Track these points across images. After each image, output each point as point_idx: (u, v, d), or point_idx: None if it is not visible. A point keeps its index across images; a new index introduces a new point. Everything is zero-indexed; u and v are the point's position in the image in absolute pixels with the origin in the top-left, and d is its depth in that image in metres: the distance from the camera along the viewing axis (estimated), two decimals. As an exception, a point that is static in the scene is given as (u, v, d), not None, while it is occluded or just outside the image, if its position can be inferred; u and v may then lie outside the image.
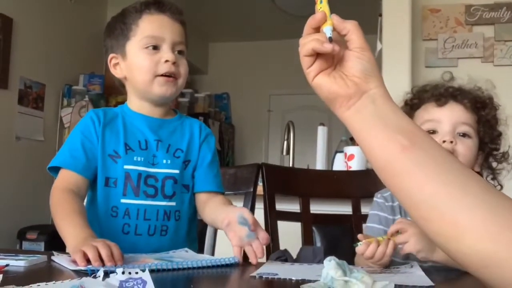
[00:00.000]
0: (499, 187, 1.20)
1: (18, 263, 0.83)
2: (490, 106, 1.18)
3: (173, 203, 1.16)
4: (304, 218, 1.53)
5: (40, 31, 3.76)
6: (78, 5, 4.17)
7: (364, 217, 1.46)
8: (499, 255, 0.51)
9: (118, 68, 1.20)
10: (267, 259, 1.10)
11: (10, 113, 3.49)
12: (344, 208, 1.61)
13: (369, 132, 0.62)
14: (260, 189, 1.53)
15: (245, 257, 1.00)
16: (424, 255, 1.01)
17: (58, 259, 0.89)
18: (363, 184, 1.58)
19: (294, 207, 1.55)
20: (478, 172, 1.17)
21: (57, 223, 1.02)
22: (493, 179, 1.20)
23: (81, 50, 4.17)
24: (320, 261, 0.99)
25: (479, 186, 0.56)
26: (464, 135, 1.14)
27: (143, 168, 1.14)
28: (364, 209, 1.53)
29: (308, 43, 0.65)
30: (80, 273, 0.77)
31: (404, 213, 1.21)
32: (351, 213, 1.57)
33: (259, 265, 0.95)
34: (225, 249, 1.08)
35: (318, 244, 1.53)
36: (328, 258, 0.66)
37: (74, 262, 0.84)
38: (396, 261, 1.07)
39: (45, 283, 0.63)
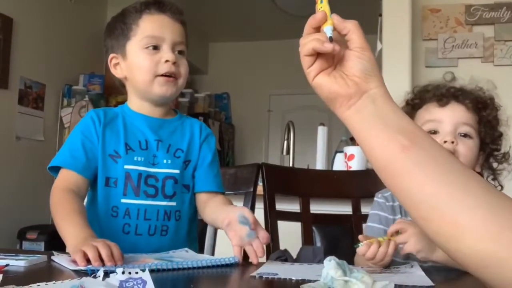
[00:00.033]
0: (499, 187, 1.20)
1: (18, 263, 0.83)
2: (491, 106, 1.18)
3: (174, 203, 1.16)
4: (304, 218, 1.53)
5: (40, 31, 3.76)
6: (78, 5, 4.17)
7: (364, 217, 1.46)
8: (499, 255, 0.51)
9: (119, 68, 1.20)
10: (267, 259, 1.10)
11: (10, 113, 3.49)
12: (344, 208, 1.61)
13: (369, 132, 0.62)
14: (260, 189, 1.53)
15: (245, 256, 1.00)
16: (424, 255, 1.01)
17: (58, 259, 0.89)
18: (363, 184, 1.58)
19: (294, 207, 1.55)
20: (478, 173, 1.17)
21: (57, 222, 1.02)
22: (493, 179, 1.20)
23: (81, 50, 4.18)
24: (320, 261, 0.98)
25: (480, 186, 0.56)
26: (465, 135, 1.14)
27: (144, 168, 1.14)
28: (364, 209, 1.53)
29: (308, 42, 0.65)
30: (80, 273, 0.77)
31: (404, 213, 1.21)
32: (351, 213, 1.57)
33: (259, 265, 0.95)
34: (225, 249, 1.08)
35: (318, 244, 1.53)
36: (328, 258, 0.66)
37: (74, 262, 0.84)
38: (396, 261, 1.07)
39: (45, 283, 0.63)
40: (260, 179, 1.53)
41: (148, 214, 1.13)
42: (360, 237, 1.03)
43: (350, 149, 2.16)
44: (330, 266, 0.65)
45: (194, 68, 5.11)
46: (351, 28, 0.65)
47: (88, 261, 0.83)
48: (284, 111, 5.88)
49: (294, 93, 5.50)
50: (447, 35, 3.04)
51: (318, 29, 0.66)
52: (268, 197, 1.49)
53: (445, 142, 1.11)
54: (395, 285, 0.70)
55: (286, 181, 1.57)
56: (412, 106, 1.22)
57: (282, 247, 1.26)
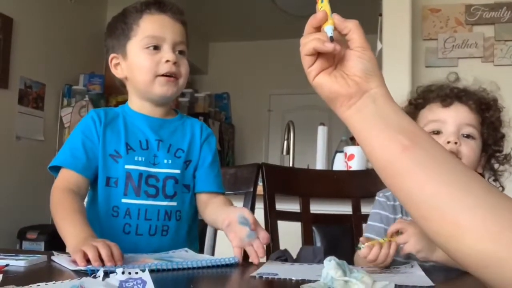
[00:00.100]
0: (501, 188, 1.20)
1: (18, 263, 0.83)
2: (494, 108, 1.18)
3: (174, 203, 1.16)
4: (304, 218, 1.53)
5: (40, 31, 3.76)
6: (78, 5, 4.17)
7: (364, 217, 1.46)
8: (499, 255, 0.51)
9: (119, 68, 1.20)
10: (267, 259, 1.10)
11: (10, 113, 3.49)
12: (344, 208, 1.61)
13: (369, 131, 0.62)
14: (260, 189, 1.53)
15: (245, 257, 1.00)
16: (424, 255, 1.01)
17: (58, 259, 0.89)
18: (363, 184, 1.58)
19: (294, 207, 1.55)
20: (480, 174, 1.17)
21: (57, 222, 1.02)
22: (495, 180, 1.20)
23: (81, 50, 4.18)
24: (320, 261, 0.98)
25: (480, 186, 0.56)
26: (468, 136, 1.14)
27: (144, 168, 1.14)
28: (364, 209, 1.53)
29: (309, 42, 0.65)
30: (80, 273, 0.77)
31: (405, 212, 1.21)
32: (351, 213, 1.57)
33: (259, 265, 0.95)
34: (225, 249, 1.08)
35: (318, 244, 1.53)
36: (328, 258, 0.66)
37: (74, 262, 0.84)
38: (397, 260, 1.07)
39: (45, 283, 0.63)
40: (260, 179, 1.53)
41: (149, 214, 1.13)
42: (361, 239, 1.03)
43: (350, 149, 2.16)
44: (330, 266, 0.65)
45: (194, 68, 5.11)
46: (352, 28, 0.65)
47: (88, 261, 0.83)
48: (284, 111, 5.88)
49: (294, 93, 5.50)
50: (447, 35, 3.04)
51: (318, 28, 0.66)
52: (268, 197, 1.49)
53: (448, 142, 1.11)
54: (395, 285, 0.70)
55: (286, 181, 1.57)
56: (415, 106, 1.22)
57: (282, 247, 1.26)
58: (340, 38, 0.65)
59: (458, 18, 3.04)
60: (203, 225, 1.38)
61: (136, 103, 1.21)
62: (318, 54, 0.65)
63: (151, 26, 1.16)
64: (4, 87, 3.42)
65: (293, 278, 0.78)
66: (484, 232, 0.52)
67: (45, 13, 3.82)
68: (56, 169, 1.13)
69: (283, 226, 1.50)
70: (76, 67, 4.12)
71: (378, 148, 0.61)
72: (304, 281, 0.72)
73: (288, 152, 2.89)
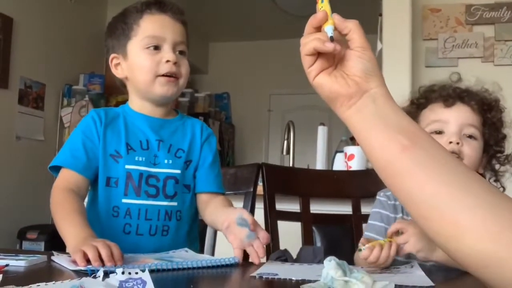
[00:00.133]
0: (502, 189, 1.20)
1: (18, 263, 0.83)
2: (496, 108, 1.18)
3: (175, 203, 1.16)
4: (304, 218, 1.53)
5: (40, 31, 3.76)
6: (78, 5, 4.17)
7: (364, 217, 1.46)
8: (499, 255, 0.51)
9: (119, 68, 1.20)
10: (267, 259, 1.10)
11: (10, 113, 3.49)
12: (344, 208, 1.61)
13: (369, 131, 0.62)
14: (260, 189, 1.53)
15: (245, 257, 1.00)
16: (424, 255, 1.01)
17: (58, 259, 0.89)
18: (363, 184, 1.58)
19: (294, 207, 1.55)
20: (481, 174, 1.18)
21: (57, 222, 1.02)
22: (496, 181, 1.21)
23: (81, 50, 4.18)
24: (320, 261, 0.98)
25: (480, 186, 0.56)
26: (470, 136, 1.15)
27: (145, 168, 1.14)
28: (364, 209, 1.53)
29: (309, 42, 0.65)
30: (80, 273, 0.77)
31: (406, 212, 1.21)
32: (351, 213, 1.57)
33: (259, 265, 0.95)
34: (225, 249, 1.08)
35: (318, 244, 1.53)
36: (328, 258, 0.66)
37: (74, 262, 0.84)
38: (398, 260, 1.07)
39: (45, 283, 0.63)
40: (260, 179, 1.53)
41: (149, 214, 1.13)
42: (362, 240, 1.03)
43: (350, 149, 2.16)
44: (330, 266, 0.65)
45: (194, 68, 5.09)
46: (352, 28, 0.65)
47: (88, 261, 0.83)
48: (284, 111, 5.88)
49: (294, 93, 5.50)
50: (447, 35, 3.04)
51: (319, 28, 0.66)
52: (268, 197, 1.49)
53: (450, 143, 1.12)
54: (395, 285, 0.70)
55: (286, 181, 1.57)
56: (417, 106, 1.22)
57: (282, 247, 1.26)
58: (340, 38, 0.65)
59: (458, 18, 3.04)
60: (203, 225, 1.38)
61: (136, 103, 1.21)
62: (318, 54, 0.65)
63: (151, 26, 1.16)
64: (4, 87, 3.42)
65: (293, 278, 0.78)
66: (484, 232, 0.52)
67: (45, 13, 3.82)
68: (57, 169, 1.13)
69: (283, 226, 1.50)
70: (76, 67, 4.12)
71: (378, 148, 0.61)
72: (304, 281, 0.72)
73: (288, 152, 2.89)
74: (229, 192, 1.38)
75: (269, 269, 0.87)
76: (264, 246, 1.00)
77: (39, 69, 3.76)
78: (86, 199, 1.17)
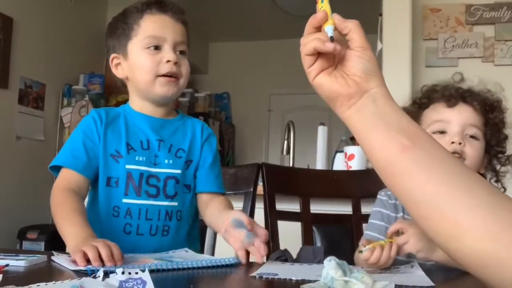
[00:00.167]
0: (502, 189, 1.20)
1: (18, 263, 0.82)
2: (498, 109, 1.19)
3: (175, 203, 1.16)
4: (304, 218, 1.53)
5: (40, 31, 3.76)
6: (78, 5, 4.17)
7: (364, 217, 1.46)
8: (499, 255, 0.51)
9: (120, 68, 1.20)
10: (267, 259, 1.10)
11: (10, 113, 3.49)
12: (344, 208, 1.61)
13: (369, 131, 0.62)
14: (260, 189, 1.53)
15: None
16: (424, 255, 1.01)
17: (58, 259, 0.89)
18: (363, 184, 1.58)
19: (294, 207, 1.55)
20: (482, 174, 1.18)
21: (58, 222, 1.02)
22: (496, 181, 1.21)
23: (81, 50, 4.18)
24: (320, 261, 0.98)
25: (480, 186, 0.56)
26: (472, 137, 1.15)
27: (145, 168, 1.14)
28: (364, 209, 1.53)
29: (309, 42, 0.65)
30: (80, 273, 0.77)
31: (406, 211, 1.21)
32: (351, 213, 1.57)
33: (259, 265, 0.95)
34: (225, 249, 1.08)
35: (318, 244, 1.53)
36: (328, 258, 0.66)
37: (74, 262, 0.84)
38: (399, 259, 1.07)
39: (45, 283, 0.63)
40: (260, 179, 1.53)
41: (150, 214, 1.13)
42: (363, 242, 1.03)
43: (350, 149, 2.16)
44: (330, 266, 0.65)
45: (194, 68, 5.09)
46: (352, 28, 0.65)
47: (88, 261, 0.83)
48: (284, 111, 5.88)
49: (294, 93, 5.51)
50: (447, 34, 3.04)
51: (319, 28, 0.66)
52: (268, 197, 1.49)
53: (452, 143, 1.12)
54: (395, 285, 0.70)
55: (286, 181, 1.57)
56: (419, 105, 1.22)
57: (282, 247, 1.26)
58: (340, 38, 0.65)
59: (459, 18, 3.04)
60: (203, 225, 1.38)
61: (137, 103, 1.21)
62: (318, 54, 0.65)
63: (152, 26, 1.16)
64: (4, 87, 3.42)
65: (293, 278, 0.78)
66: (484, 232, 0.52)
67: (45, 13, 3.82)
68: (57, 168, 1.13)
69: (283, 226, 1.50)
70: (76, 67, 4.12)
71: (378, 148, 0.61)
72: (304, 281, 0.72)
73: (288, 152, 2.89)
74: (229, 192, 1.38)
75: (269, 269, 0.87)
76: (265, 243, 1.00)
77: (39, 69, 3.76)
78: (87, 199, 1.17)
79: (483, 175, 1.19)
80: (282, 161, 4.76)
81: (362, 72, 0.64)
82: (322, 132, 2.41)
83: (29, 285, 0.61)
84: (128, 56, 1.17)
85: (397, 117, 0.62)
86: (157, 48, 1.15)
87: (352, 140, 2.37)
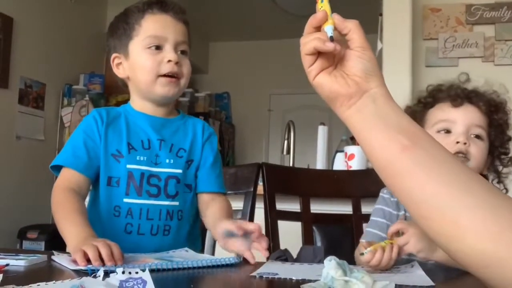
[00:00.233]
0: (504, 190, 1.20)
1: (18, 263, 0.83)
2: (502, 110, 1.19)
3: (176, 203, 1.16)
4: (305, 217, 1.53)
5: (40, 31, 3.76)
6: (78, 5, 4.17)
7: (365, 217, 1.46)
8: (500, 255, 0.51)
9: (121, 68, 1.20)
10: (267, 258, 1.10)
11: (11, 113, 3.50)
12: (344, 208, 1.61)
13: (369, 131, 0.62)
14: (260, 188, 1.53)
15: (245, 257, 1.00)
16: (425, 255, 1.01)
17: (58, 258, 0.89)
18: (364, 183, 1.58)
19: (294, 206, 1.55)
20: (484, 175, 1.18)
21: (58, 222, 1.02)
22: (499, 182, 1.21)
23: (81, 50, 4.18)
24: (321, 261, 0.98)
25: (480, 186, 0.56)
26: (477, 137, 1.15)
27: (146, 168, 1.14)
28: (365, 209, 1.53)
29: (309, 42, 0.65)
30: (80, 273, 0.77)
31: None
32: (351, 212, 1.57)
33: (259, 265, 0.95)
34: (225, 249, 1.07)
35: (319, 243, 1.53)
36: (329, 258, 0.66)
37: (74, 261, 0.84)
38: (399, 258, 1.07)
39: (45, 283, 0.63)
40: (260, 178, 1.53)
41: (151, 214, 1.13)
42: (363, 243, 1.03)
43: (350, 149, 2.16)
44: (331, 266, 0.65)
45: (194, 68, 5.06)
46: (352, 28, 0.65)
47: (88, 260, 0.83)
48: (284, 110, 5.88)
49: (295, 92, 5.50)
50: (447, 34, 3.04)
51: (318, 28, 0.66)
52: (268, 197, 1.49)
53: (457, 142, 1.12)
54: (395, 285, 0.70)
55: (286, 181, 1.57)
56: (424, 105, 1.22)
57: (282, 247, 1.26)
58: (340, 38, 0.65)
59: (459, 17, 3.04)
60: (204, 225, 1.38)
61: (138, 103, 1.21)
62: (318, 54, 0.65)
63: (153, 26, 1.16)
64: (4, 87, 3.42)
65: (293, 278, 0.78)
66: (484, 232, 0.52)
67: (45, 13, 3.82)
68: (58, 168, 1.13)
69: (283, 226, 1.50)
70: (76, 67, 4.12)
71: (378, 148, 0.61)
72: (304, 281, 0.72)
73: (288, 152, 2.89)
74: (229, 192, 1.38)
75: (269, 269, 0.87)
76: (261, 234, 1.00)
77: (39, 69, 3.76)
78: (88, 199, 1.17)
79: (485, 176, 1.19)
80: (282, 161, 4.76)
81: (362, 72, 0.64)
82: (322, 132, 2.41)
83: (29, 285, 0.61)
84: (129, 56, 1.17)
85: (397, 117, 0.62)
86: (158, 48, 1.15)
87: (352, 140, 2.37)
